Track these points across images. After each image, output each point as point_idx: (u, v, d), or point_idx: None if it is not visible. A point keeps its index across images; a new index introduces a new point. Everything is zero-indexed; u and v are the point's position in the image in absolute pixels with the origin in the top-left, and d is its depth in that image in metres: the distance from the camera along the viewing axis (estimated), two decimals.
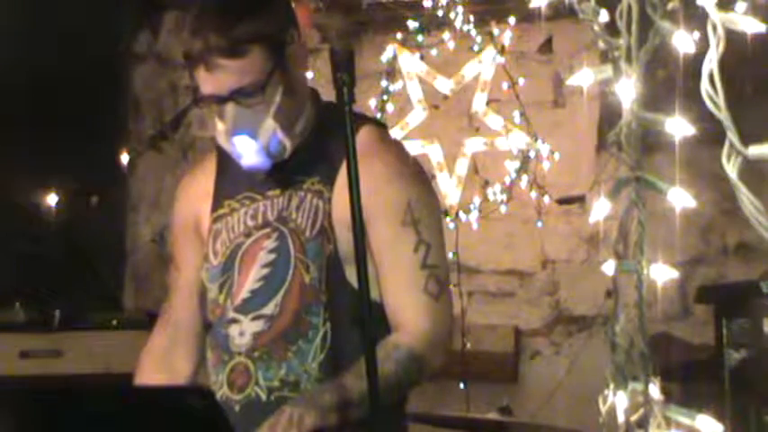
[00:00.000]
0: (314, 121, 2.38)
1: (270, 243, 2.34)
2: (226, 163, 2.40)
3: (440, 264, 2.32)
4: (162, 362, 2.50)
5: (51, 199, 5.26)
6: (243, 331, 2.32)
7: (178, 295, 2.52)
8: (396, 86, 5.08)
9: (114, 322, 4.59)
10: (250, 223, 2.38)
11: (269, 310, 2.31)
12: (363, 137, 2.31)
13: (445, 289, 2.33)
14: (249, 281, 2.34)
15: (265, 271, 2.33)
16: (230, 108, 2.26)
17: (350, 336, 2.26)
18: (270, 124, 2.27)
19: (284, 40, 2.28)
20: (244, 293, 2.34)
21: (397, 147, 2.43)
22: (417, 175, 2.38)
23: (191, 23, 2.26)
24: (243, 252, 2.37)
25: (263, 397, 2.29)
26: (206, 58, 2.22)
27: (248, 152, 2.29)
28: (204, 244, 2.44)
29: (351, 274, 2.28)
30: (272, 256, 2.33)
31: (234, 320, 2.34)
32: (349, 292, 2.27)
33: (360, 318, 1.96)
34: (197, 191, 2.49)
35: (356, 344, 2.20)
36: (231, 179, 2.42)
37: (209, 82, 2.25)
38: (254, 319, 2.32)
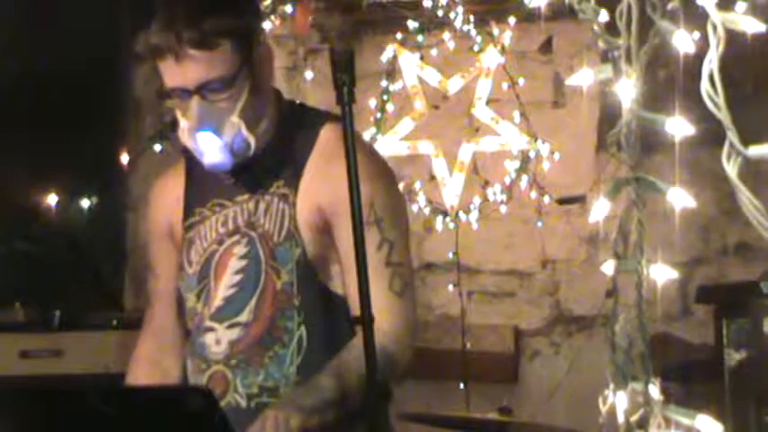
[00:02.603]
0: (277, 123, 2.37)
1: (240, 249, 2.34)
2: (194, 169, 2.40)
3: (403, 262, 2.32)
4: (152, 368, 2.50)
5: (51, 199, 5.25)
6: (219, 339, 2.33)
7: (159, 303, 2.52)
8: (396, 86, 5.08)
9: (114, 322, 4.58)
10: (221, 230, 2.37)
11: (243, 317, 2.31)
12: (327, 135, 2.31)
13: (409, 286, 2.32)
14: (222, 288, 2.34)
15: (237, 278, 2.33)
16: (195, 103, 2.24)
17: (325, 337, 2.27)
18: (234, 122, 2.26)
19: (253, 37, 2.29)
20: (218, 301, 2.34)
21: (360, 144, 2.36)
22: (381, 172, 2.36)
23: (162, 14, 2.25)
24: (216, 260, 2.36)
25: (243, 404, 2.29)
26: (176, 48, 2.21)
27: (211, 149, 2.27)
28: (179, 250, 2.44)
29: (324, 276, 2.30)
30: (243, 263, 2.33)
31: (210, 329, 2.34)
32: (321, 294, 2.28)
33: (361, 318, 1.95)
34: (169, 198, 2.48)
35: (332, 344, 2.23)
36: (200, 186, 2.42)
37: (178, 74, 2.23)
38: (229, 326, 2.32)
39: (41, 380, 4.23)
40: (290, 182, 2.32)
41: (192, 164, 2.39)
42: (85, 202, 5.28)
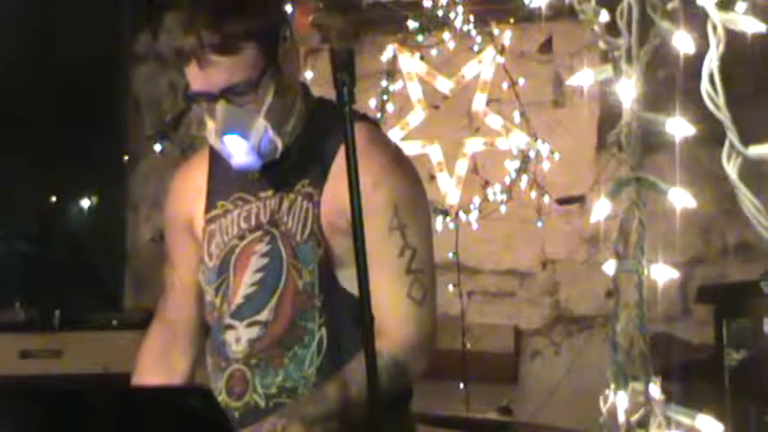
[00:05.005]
0: (305, 120, 2.34)
1: (262, 247, 2.32)
2: (219, 162, 2.37)
3: (425, 269, 2.29)
4: (160, 360, 2.49)
5: (51, 199, 5.26)
6: (239, 338, 2.31)
7: (173, 294, 2.51)
8: (396, 86, 5.09)
9: (114, 322, 4.59)
10: (243, 225, 2.35)
11: (263, 316, 2.29)
12: (354, 134, 2.29)
13: (429, 294, 2.29)
14: (243, 286, 2.32)
15: (258, 276, 2.31)
16: (221, 107, 2.22)
17: (346, 339, 2.24)
18: (261, 123, 2.24)
19: (277, 38, 2.25)
20: (238, 299, 2.32)
21: (387, 147, 2.36)
22: (407, 176, 2.33)
23: (184, 19, 2.22)
24: (236, 255, 2.34)
25: (262, 404, 2.27)
26: (198, 54, 2.18)
27: (238, 152, 2.25)
28: (199, 243, 2.42)
29: (343, 278, 2.27)
30: (265, 261, 2.31)
31: (230, 326, 2.32)
32: (342, 296, 2.25)
33: (360, 318, 1.95)
34: (190, 189, 2.46)
35: (352, 347, 2.20)
36: (224, 179, 2.39)
37: (201, 79, 2.21)
38: (249, 325, 2.30)
39: (41, 380, 4.23)
40: (316, 181, 2.30)
41: (217, 155, 2.36)
42: (85, 202, 5.28)
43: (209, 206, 2.42)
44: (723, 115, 1.87)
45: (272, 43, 2.24)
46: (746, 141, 1.90)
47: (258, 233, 2.33)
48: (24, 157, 4.98)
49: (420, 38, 5.01)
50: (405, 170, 2.34)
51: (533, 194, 5.02)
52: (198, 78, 2.22)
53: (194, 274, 2.44)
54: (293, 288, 2.28)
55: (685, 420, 1.98)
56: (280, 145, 2.28)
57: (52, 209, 5.26)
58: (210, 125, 2.28)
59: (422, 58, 5.07)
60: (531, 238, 5.23)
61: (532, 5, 2.24)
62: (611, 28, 2.06)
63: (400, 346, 2.23)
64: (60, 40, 5.08)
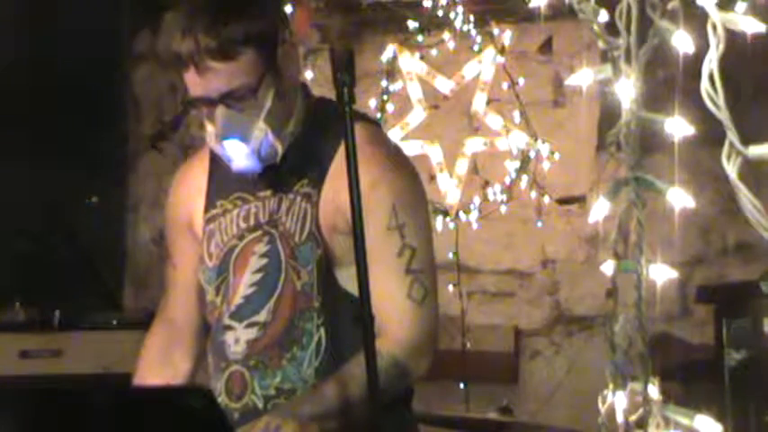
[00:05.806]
0: (304, 120, 2.33)
1: (261, 247, 2.31)
2: (219, 161, 2.36)
3: (425, 268, 2.28)
4: (161, 360, 2.49)
5: (51, 198, 5.25)
6: (237, 338, 2.30)
7: (174, 293, 2.50)
8: (396, 86, 5.09)
9: (114, 322, 4.59)
10: (242, 225, 2.35)
11: (262, 317, 2.29)
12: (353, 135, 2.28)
13: (430, 294, 2.28)
14: (242, 286, 2.32)
15: (257, 276, 2.31)
16: (220, 111, 2.21)
17: (345, 340, 2.23)
18: (261, 128, 2.23)
19: (276, 41, 2.24)
20: (237, 300, 2.32)
21: (386, 147, 2.35)
22: (406, 176, 2.32)
23: (181, 23, 2.20)
24: (236, 255, 2.34)
25: (260, 405, 2.27)
26: (196, 59, 2.17)
27: (238, 156, 2.24)
28: (199, 242, 2.42)
29: (342, 278, 2.26)
30: (264, 261, 2.31)
31: (229, 327, 2.32)
32: (341, 297, 2.25)
33: (360, 318, 1.95)
34: (190, 189, 2.46)
35: (351, 348, 2.18)
36: (224, 178, 2.38)
37: (199, 84, 2.20)
38: (247, 326, 2.30)
39: (41, 380, 4.23)
40: (315, 182, 2.29)
41: (217, 155, 2.35)
42: (85, 202, 5.28)
43: (209, 206, 2.42)
44: (723, 115, 1.87)
45: (271, 47, 2.22)
46: (746, 141, 1.90)
47: (257, 233, 2.33)
48: (24, 157, 4.98)
49: (420, 38, 5.01)
50: (404, 170, 2.33)
51: (533, 194, 5.02)
52: (196, 84, 2.21)
53: (195, 274, 2.43)
54: (291, 289, 2.27)
55: (684, 420, 1.99)
56: (279, 148, 2.27)
57: (52, 208, 5.25)
58: (210, 129, 2.27)
59: (422, 58, 5.07)
60: (531, 238, 5.23)
61: (532, 5, 2.23)
62: (611, 28, 2.06)
63: (400, 347, 2.23)
64: (60, 40, 5.08)
